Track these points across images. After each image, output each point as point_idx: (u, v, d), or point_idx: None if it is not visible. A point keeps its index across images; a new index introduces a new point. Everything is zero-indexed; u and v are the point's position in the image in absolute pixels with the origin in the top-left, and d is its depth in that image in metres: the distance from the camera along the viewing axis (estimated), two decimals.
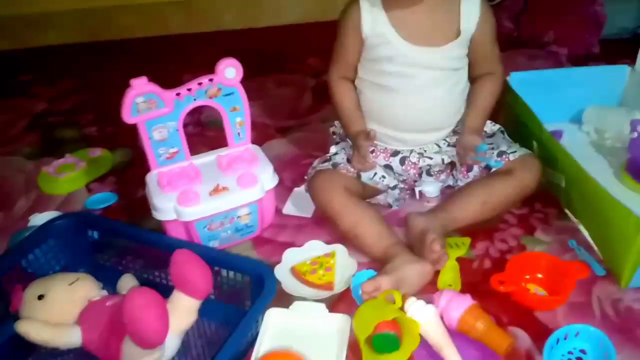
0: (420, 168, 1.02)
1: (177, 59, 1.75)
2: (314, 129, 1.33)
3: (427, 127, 1.01)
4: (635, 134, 1.06)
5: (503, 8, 1.71)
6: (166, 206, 0.87)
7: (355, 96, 1.02)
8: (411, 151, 1.03)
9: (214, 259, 0.80)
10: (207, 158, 0.97)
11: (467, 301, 0.78)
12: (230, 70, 0.91)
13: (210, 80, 0.90)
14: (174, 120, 0.90)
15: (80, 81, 1.63)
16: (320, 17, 1.89)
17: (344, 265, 0.91)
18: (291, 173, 1.17)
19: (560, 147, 0.98)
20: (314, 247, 0.96)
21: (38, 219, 1.00)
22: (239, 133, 0.97)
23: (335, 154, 1.03)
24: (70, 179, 1.15)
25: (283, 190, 1.09)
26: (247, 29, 1.93)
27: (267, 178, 0.93)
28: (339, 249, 0.94)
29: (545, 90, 1.20)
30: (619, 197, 0.99)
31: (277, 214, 1.03)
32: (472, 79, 1.02)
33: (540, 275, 0.86)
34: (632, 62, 1.51)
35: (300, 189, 1.08)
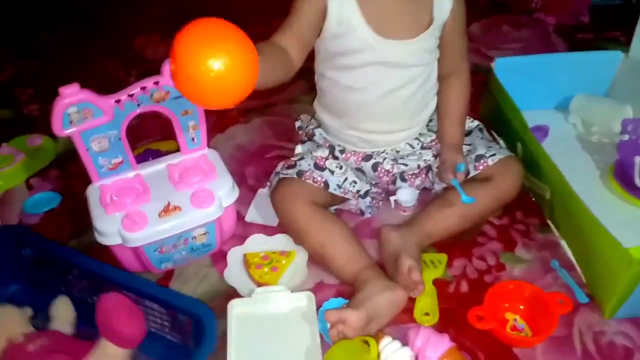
0: (394, 174, 0.94)
1: (132, 12, 1.59)
2: (280, 112, 1.22)
3: (396, 128, 0.92)
4: (626, 136, 0.98)
5: None
6: (110, 230, 0.77)
7: (281, 66, 0.76)
8: (384, 158, 0.94)
9: (151, 296, 0.72)
10: (156, 167, 0.86)
11: (444, 343, 0.72)
12: None
13: (156, 83, 0.78)
14: (115, 129, 0.78)
15: (17, 47, 1.45)
16: None
17: (294, 273, 0.85)
18: (255, 168, 1.06)
19: (546, 156, 0.90)
20: (279, 241, 0.90)
21: None
22: (192, 138, 0.86)
23: (301, 158, 0.92)
24: (7, 175, 1.03)
25: (246, 191, 1.00)
26: None
27: (225, 193, 0.83)
28: (301, 252, 0.87)
29: (531, 75, 1.11)
30: (606, 205, 0.95)
31: (239, 221, 0.93)
32: (438, 77, 0.93)
33: (521, 307, 0.80)
34: (622, 34, 1.43)
35: (265, 191, 0.98)
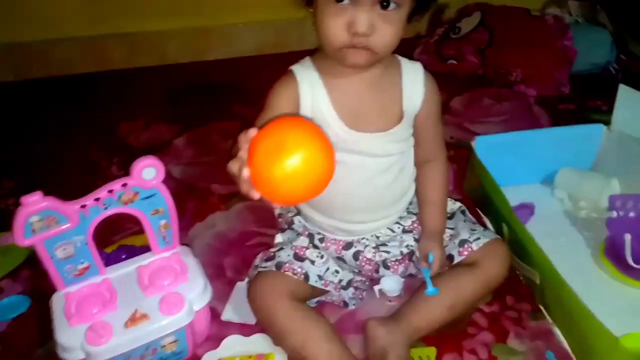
0: (377, 262, 0.90)
1: (119, 97, 1.61)
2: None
3: (375, 216, 0.90)
4: (614, 213, 0.95)
5: (468, 41, 1.60)
6: (73, 344, 0.73)
7: None
8: (365, 246, 0.91)
9: None
10: (126, 269, 0.82)
11: None
12: (149, 171, 0.76)
13: (124, 185, 0.76)
14: (81, 234, 0.75)
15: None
16: (274, 48, 1.75)
17: None
18: (234, 258, 1.03)
19: (532, 240, 0.87)
20: (256, 342, 0.85)
21: None
22: (164, 237, 0.83)
23: (281, 249, 0.89)
24: None
25: (223, 285, 0.96)
26: (194, 62, 1.78)
27: (196, 295, 0.79)
28: (280, 355, 0.82)
29: (513, 151, 1.10)
30: (599, 287, 0.91)
31: (215, 319, 0.89)
32: (415, 164, 0.91)
33: None
34: (604, 102, 1.43)
35: (244, 285, 0.95)
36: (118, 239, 1.07)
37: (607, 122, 1.10)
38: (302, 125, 0.61)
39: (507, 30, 1.56)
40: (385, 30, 0.71)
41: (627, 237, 0.90)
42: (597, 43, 1.55)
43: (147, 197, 0.78)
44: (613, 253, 0.94)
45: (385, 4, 0.70)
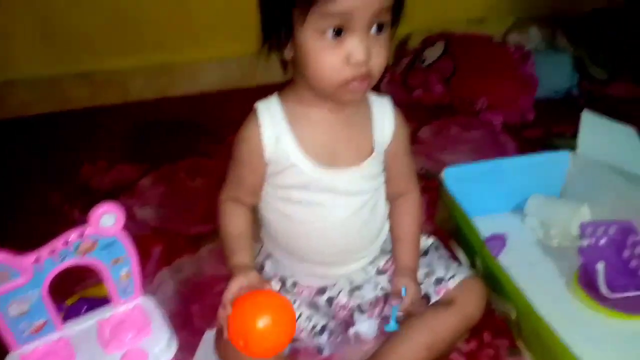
0: (351, 308, 0.87)
1: (81, 138, 1.56)
2: None
3: (348, 259, 0.87)
4: (586, 242, 0.95)
5: (433, 71, 1.61)
6: None
7: (244, 224, 0.84)
8: (339, 291, 0.88)
9: None
10: (85, 324, 0.78)
11: None
12: (108, 218, 0.73)
13: (81, 235, 0.72)
14: (36, 288, 0.71)
15: None
16: (240, 82, 1.73)
17: None
18: (202, 306, 0.99)
19: (504, 274, 0.86)
20: None
21: None
22: (125, 287, 0.79)
23: None
24: None
25: (191, 335, 0.91)
26: (159, 98, 1.75)
27: (160, 350, 0.75)
28: None
29: (483, 180, 1.10)
30: (575, 317, 0.90)
31: None
32: (388, 199, 0.88)
33: None
34: (567, 127, 1.44)
35: (213, 334, 0.90)
36: (80, 289, 1.01)
37: (572, 148, 1.11)
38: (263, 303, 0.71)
39: (470, 58, 1.58)
40: (380, 53, 0.69)
41: (600, 267, 0.89)
42: (559, 68, 1.58)
43: (106, 246, 0.75)
44: (587, 282, 0.93)
45: (380, 27, 0.68)
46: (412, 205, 0.89)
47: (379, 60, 0.69)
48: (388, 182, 0.87)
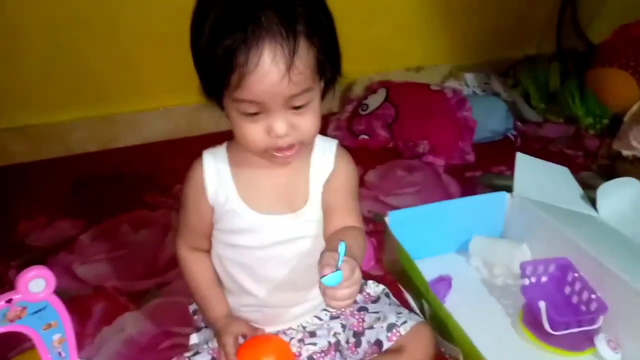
0: (303, 359, 0.86)
1: (19, 193, 1.50)
2: (176, 291, 1.12)
3: (293, 302, 0.86)
4: (527, 280, 0.97)
5: (376, 117, 1.65)
6: None
7: (208, 273, 0.86)
8: (291, 338, 0.86)
9: None
10: None
11: None
12: (37, 283, 0.69)
13: (8, 301, 0.68)
14: None
15: None
16: (187, 132, 1.72)
17: None
18: None
19: (450, 317, 0.86)
20: None
21: None
22: (59, 353, 0.75)
23: (196, 353, 0.83)
24: None
25: None
26: (101, 151, 1.71)
27: None
28: None
29: (426, 223, 1.11)
30: (522, 356, 0.91)
31: None
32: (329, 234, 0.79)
33: None
34: (506, 167, 1.50)
35: None
36: (14, 354, 0.96)
37: (510, 188, 1.15)
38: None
39: (410, 104, 1.63)
40: (305, 123, 0.70)
41: (542, 305, 0.91)
42: (494, 111, 1.65)
43: (36, 312, 0.71)
44: (531, 320, 0.95)
45: (298, 107, 0.69)
46: (354, 230, 0.79)
47: (306, 128, 0.71)
48: (327, 217, 0.80)
